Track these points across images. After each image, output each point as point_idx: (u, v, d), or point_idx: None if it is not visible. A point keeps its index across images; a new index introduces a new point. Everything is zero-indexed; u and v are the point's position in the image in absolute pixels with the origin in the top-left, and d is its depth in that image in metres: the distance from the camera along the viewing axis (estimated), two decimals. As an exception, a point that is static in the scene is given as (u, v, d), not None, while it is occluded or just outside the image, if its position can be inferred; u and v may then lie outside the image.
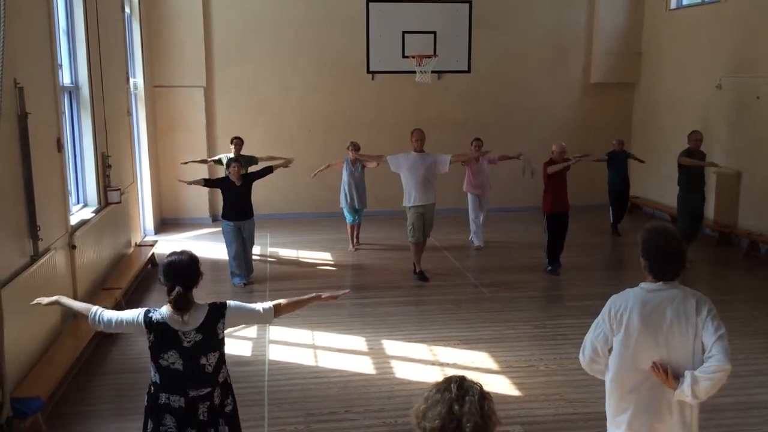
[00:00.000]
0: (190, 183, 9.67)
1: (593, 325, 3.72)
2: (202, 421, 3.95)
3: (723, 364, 3.38)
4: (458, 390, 2.39)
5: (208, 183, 9.86)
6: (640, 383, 3.60)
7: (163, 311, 3.89)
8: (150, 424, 3.96)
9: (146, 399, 4.02)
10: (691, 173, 10.07)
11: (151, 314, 3.88)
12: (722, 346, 3.43)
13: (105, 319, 3.95)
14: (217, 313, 3.96)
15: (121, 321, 3.94)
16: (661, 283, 3.58)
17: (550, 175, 9.65)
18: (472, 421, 2.32)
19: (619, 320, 3.59)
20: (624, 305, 3.60)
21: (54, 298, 4.17)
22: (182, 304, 3.83)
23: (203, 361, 3.91)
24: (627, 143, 13.03)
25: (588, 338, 3.72)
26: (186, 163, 11.41)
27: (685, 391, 3.42)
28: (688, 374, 3.43)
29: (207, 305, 3.98)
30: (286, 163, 10.23)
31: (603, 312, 3.68)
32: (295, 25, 13.50)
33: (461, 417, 2.32)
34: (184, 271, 3.87)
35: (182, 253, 3.95)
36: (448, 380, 2.45)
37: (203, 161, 11.79)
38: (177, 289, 3.81)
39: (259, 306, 4.15)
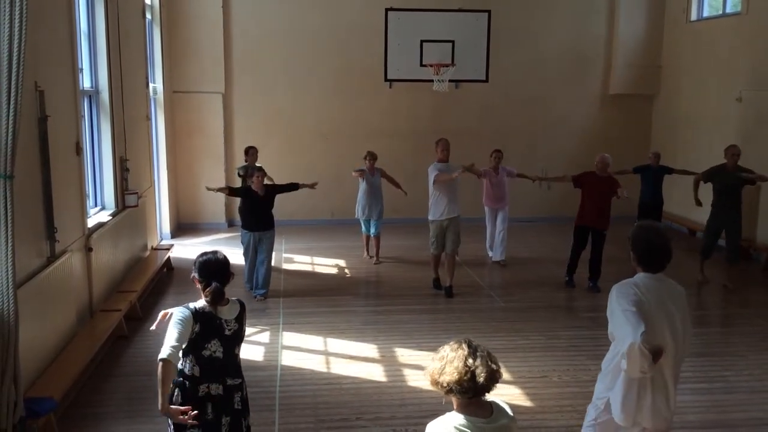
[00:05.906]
0: (216, 190, 9.71)
1: (618, 314, 3.83)
2: (237, 410, 4.14)
3: None
4: (469, 348, 2.86)
5: (232, 192, 9.75)
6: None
7: (198, 305, 4.02)
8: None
9: (180, 397, 4.02)
10: (720, 190, 9.66)
11: (191, 306, 4.00)
12: None
13: (174, 349, 3.84)
14: (243, 307, 4.22)
15: (181, 335, 3.88)
16: (650, 274, 3.97)
17: (574, 177, 9.69)
18: (485, 371, 2.80)
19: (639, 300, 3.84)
20: (635, 289, 3.90)
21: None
22: (219, 299, 4.02)
23: (236, 350, 4.16)
24: (646, 155, 12.87)
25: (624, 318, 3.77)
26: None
27: None
28: None
29: (237, 300, 4.22)
30: (313, 185, 9.63)
31: (620, 301, 3.86)
32: (314, 33, 13.58)
33: (474, 369, 2.79)
34: (220, 268, 4.07)
35: (215, 252, 4.16)
36: (458, 341, 2.91)
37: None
38: (214, 284, 3.98)
39: None
